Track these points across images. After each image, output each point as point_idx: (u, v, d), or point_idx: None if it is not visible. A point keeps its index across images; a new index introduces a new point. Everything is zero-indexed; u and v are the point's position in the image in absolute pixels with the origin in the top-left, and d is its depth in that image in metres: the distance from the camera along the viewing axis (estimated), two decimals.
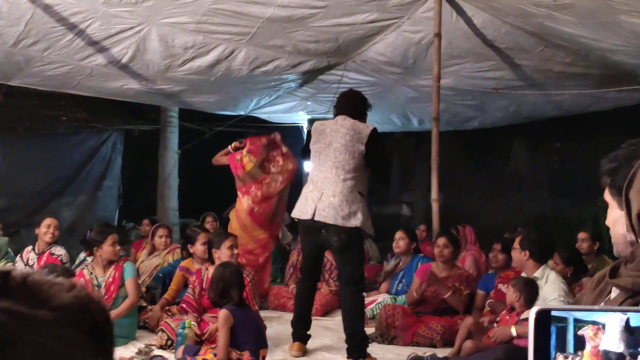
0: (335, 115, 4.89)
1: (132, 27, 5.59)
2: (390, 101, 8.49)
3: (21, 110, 9.42)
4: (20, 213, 9.33)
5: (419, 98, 8.08)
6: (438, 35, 5.55)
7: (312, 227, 4.69)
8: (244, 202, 7.01)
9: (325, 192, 4.60)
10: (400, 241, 6.48)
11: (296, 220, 4.93)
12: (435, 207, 5.67)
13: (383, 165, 5.10)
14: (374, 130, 4.75)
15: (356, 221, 4.58)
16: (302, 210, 4.72)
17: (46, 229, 6.00)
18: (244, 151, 6.99)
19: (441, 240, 5.59)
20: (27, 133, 9.66)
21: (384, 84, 7.74)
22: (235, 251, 5.08)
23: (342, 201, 4.56)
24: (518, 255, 4.70)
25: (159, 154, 10.12)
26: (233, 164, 7.05)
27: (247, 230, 6.96)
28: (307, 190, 4.76)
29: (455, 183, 10.71)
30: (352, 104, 4.89)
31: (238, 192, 7.12)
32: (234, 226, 6.95)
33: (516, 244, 4.73)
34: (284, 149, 7.11)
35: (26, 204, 9.47)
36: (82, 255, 6.28)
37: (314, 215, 4.59)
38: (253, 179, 6.97)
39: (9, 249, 6.46)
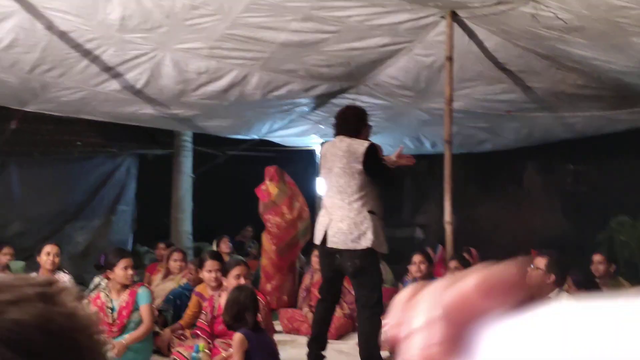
0: (335, 135, 4.90)
1: (146, 53, 5.64)
2: (403, 124, 8.50)
3: (36, 135, 9.52)
4: (35, 237, 9.36)
5: (431, 121, 8.08)
6: (450, 58, 5.56)
7: (327, 252, 4.71)
8: (265, 242, 7.56)
9: (333, 218, 4.62)
10: (421, 265, 6.46)
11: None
12: (448, 229, 5.64)
13: (384, 173, 4.87)
14: (370, 145, 4.69)
15: (366, 241, 4.55)
16: (316, 235, 4.83)
17: (46, 256, 5.80)
18: (266, 181, 7.38)
19: (452, 263, 5.53)
20: (42, 158, 9.76)
21: (396, 107, 7.76)
22: (242, 280, 4.99)
23: (350, 225, 4.56)
24: (541, 278, 4.62)
25: (173, 178, 10.18)
26: (260, 193, 7.40)
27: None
28: (320, 216, 4.85)
29: (469, 205, 10.68)
30: (348, 122, 4.85)
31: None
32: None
33: (540, 265, 4.64)
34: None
35: (41, 228, 9.52)
36: (96, 279, 6.27)
37: (324, 241, 4.62)
38: (274, 205, 7.32)
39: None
